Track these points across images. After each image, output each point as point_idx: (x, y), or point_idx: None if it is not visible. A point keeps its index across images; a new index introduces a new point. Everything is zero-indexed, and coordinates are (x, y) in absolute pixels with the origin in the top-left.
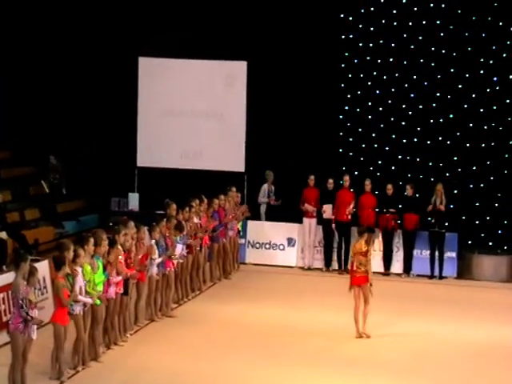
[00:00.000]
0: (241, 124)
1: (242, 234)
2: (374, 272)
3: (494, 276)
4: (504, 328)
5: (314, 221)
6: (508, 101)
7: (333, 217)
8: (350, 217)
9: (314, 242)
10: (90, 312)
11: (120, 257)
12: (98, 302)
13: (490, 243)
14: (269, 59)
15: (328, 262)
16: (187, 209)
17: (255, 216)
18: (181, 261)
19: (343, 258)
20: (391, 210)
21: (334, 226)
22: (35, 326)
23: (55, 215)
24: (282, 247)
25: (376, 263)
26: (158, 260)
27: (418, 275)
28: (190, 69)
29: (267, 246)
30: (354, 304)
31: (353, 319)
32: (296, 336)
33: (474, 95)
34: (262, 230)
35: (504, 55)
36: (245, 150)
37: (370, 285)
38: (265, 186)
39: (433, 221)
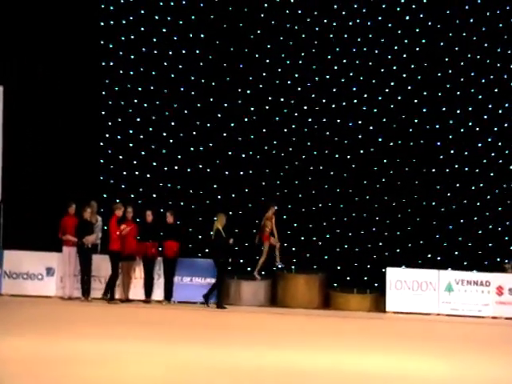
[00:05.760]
0: None
1: None
2: (135, 300)
3: (252, 300)
4: (271, 350)
5: (73, 250)
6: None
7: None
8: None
9: (74, 271)
10: None
11: None
12: None
13: (249, 268)
14: (27, 85)
15: (86, 290)
16: None
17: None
18: None
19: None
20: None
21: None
22: None
23: None
24: (40, 277)
25: (137, 291)
26: None
27: (180, 302)
28: None
29: (25, 276)
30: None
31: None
32: (53, 368)
33: (232, 124)
34: (19, 259)
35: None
36: (1, 177)
37: (279, 241)
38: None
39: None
